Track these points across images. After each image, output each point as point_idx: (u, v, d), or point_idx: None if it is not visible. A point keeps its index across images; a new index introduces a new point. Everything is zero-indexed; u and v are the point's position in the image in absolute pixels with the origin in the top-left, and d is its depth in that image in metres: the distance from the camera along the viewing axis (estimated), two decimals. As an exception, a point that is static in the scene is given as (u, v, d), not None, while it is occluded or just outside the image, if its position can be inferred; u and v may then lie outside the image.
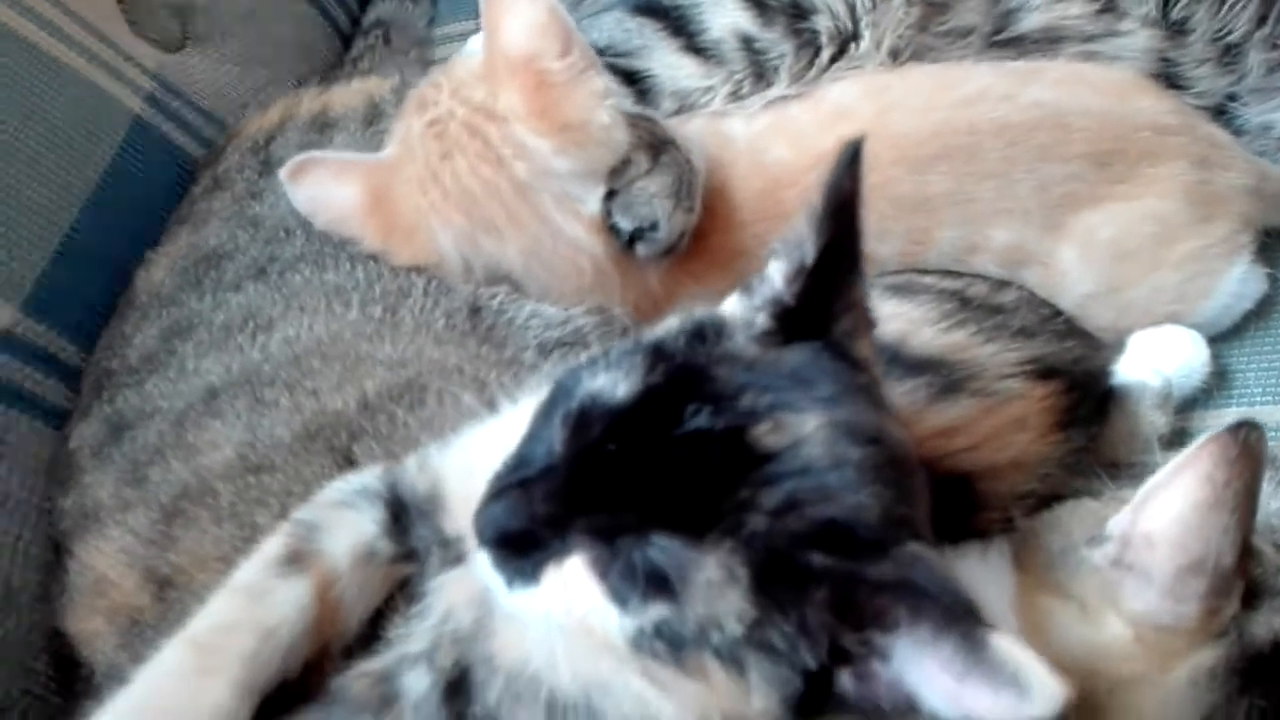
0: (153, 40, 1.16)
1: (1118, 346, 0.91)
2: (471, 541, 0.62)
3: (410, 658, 0.61)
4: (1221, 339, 0.96)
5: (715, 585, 0.48)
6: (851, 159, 0.55)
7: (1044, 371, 0.77)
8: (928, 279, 0.89)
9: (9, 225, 0.90)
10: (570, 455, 0.51)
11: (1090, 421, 0.80)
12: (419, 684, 0.60)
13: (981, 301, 0.85)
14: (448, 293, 0.82)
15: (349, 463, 0.73)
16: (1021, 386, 0.75)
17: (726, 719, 0.53)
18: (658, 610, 0.49)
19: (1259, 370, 0.95)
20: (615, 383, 0.52)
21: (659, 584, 0.49)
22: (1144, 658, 0.57)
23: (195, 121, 1.13)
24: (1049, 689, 0.42)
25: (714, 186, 0.88)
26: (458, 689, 0.59)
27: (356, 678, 0.62)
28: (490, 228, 0.82)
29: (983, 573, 0.63)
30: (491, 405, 0.72)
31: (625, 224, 0.81)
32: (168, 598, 0.68)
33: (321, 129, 0.96)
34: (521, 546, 0.52)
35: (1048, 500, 0.72)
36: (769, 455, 0.49)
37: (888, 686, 0.49)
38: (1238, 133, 1.03)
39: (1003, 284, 0.90)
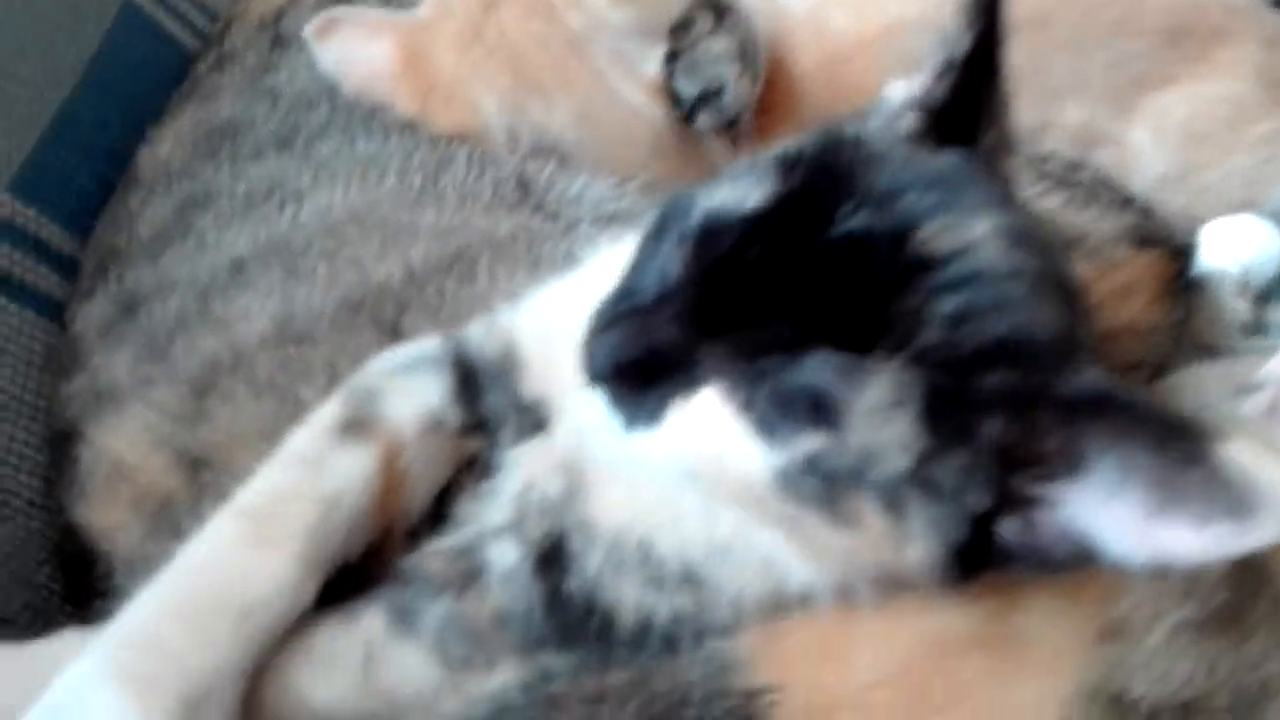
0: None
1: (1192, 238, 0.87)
2: (561, 399, 0.56)
3: (492, 531, 0.55)
4: (1289, 231, 0.92)
5: (882, 409, 0.42)
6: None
7: (1144, 239, 0.72)
8: (1002, 157, 0.84)
9: None
10: (696, 273, 0.45)
11: (1185, 299, 0.75)
12: (506, 557, 0.54)
13: (1059, 177, 0.80)
14: (493, 163, 0.75)
15: (396, 336, 0.66)
16: (1127, 252, 0.70)
17: (874, 575, 0.47)
18: (811, 441, 0.43)
19: (1328, 263, 0.91)
20: (744, 193, 0.46)
21: (815, 409, 0.42)
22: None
23: (186, 10, 1.04)
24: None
25: (774, 59, 0.82)
26: (551, 560, 0.53)
27: (431, 555, 0.56)
28: (538, 89, 0.75)
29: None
30: (549, 279, 0.65)
31: (689, 88, 0.75)
32: (203, 480, 0.61)
33: (337, 2, 0.88)
34: (643, 379, 0.45)
35: (1158, 371, 0.67)
36: (937, 261, 0.42)
37: (1059, 533, 0.44)
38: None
39: (1076, 165, 0.85)
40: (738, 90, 0.76)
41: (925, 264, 0.43)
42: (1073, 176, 0.82)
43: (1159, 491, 0.40)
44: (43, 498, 0.75)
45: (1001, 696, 0.47)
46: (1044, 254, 0.46)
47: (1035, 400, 0.42)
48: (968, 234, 0.44)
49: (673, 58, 0.76)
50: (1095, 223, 0.71)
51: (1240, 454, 0.37)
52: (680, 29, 0.76)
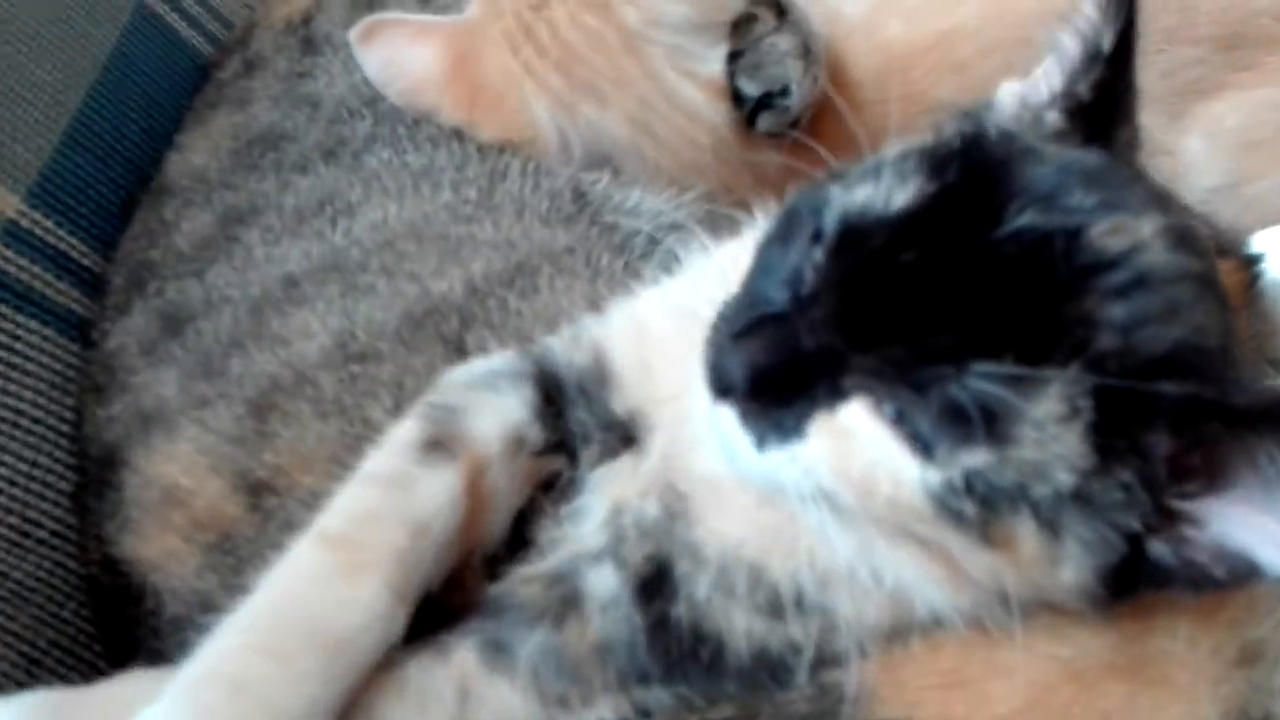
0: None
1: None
2: (657, 415, 0.53)
3: (588, 555, 0.52)
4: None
5: (1053, 422, 0.39)
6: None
7: (1220, 249, 0.70)
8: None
9: (11, 103, 0.79)
10: (840, 277, 0.42)
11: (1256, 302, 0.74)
12: (605, 584, 0.51)
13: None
14: (548, 174, 0.72)
15: (461, 351, 0.64)
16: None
17: (1018, 598, 0.45)
18: (974, 458, 0.40)
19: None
20: (888, 191, 0.43)
21: (984, 424, 0.40)
22: None
23: (198, 14, 1.03)
24: None
25: (826, 65, 0.80)
26: (654, 587, 0.51)
27: (524, 583, 0.53)
28: (592, 91, 0.72)
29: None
30: (609, 291, 0.63)
31: (751, 88, 0.73)
32: (266, 506, 0.58)
33: (368, 6, 0.85)
34: (783, 392, 0.43)
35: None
36: (1108, 262, 0.40)
37: (1214, 550, 0.42)
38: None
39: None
40: (801, 90, 0.73)
41: (1097, 265, 0.41)
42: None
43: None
44: (68, 529, 0.72)
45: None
46: (1203, 256, 0.44)
47: (1210, 411, 0.40)
48: (1136, 234, 0.42)
49: (735, 56, 0.73)
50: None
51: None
52: (742, 26, 0.73)
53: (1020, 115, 0.48)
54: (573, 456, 0.57)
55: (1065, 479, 0.40)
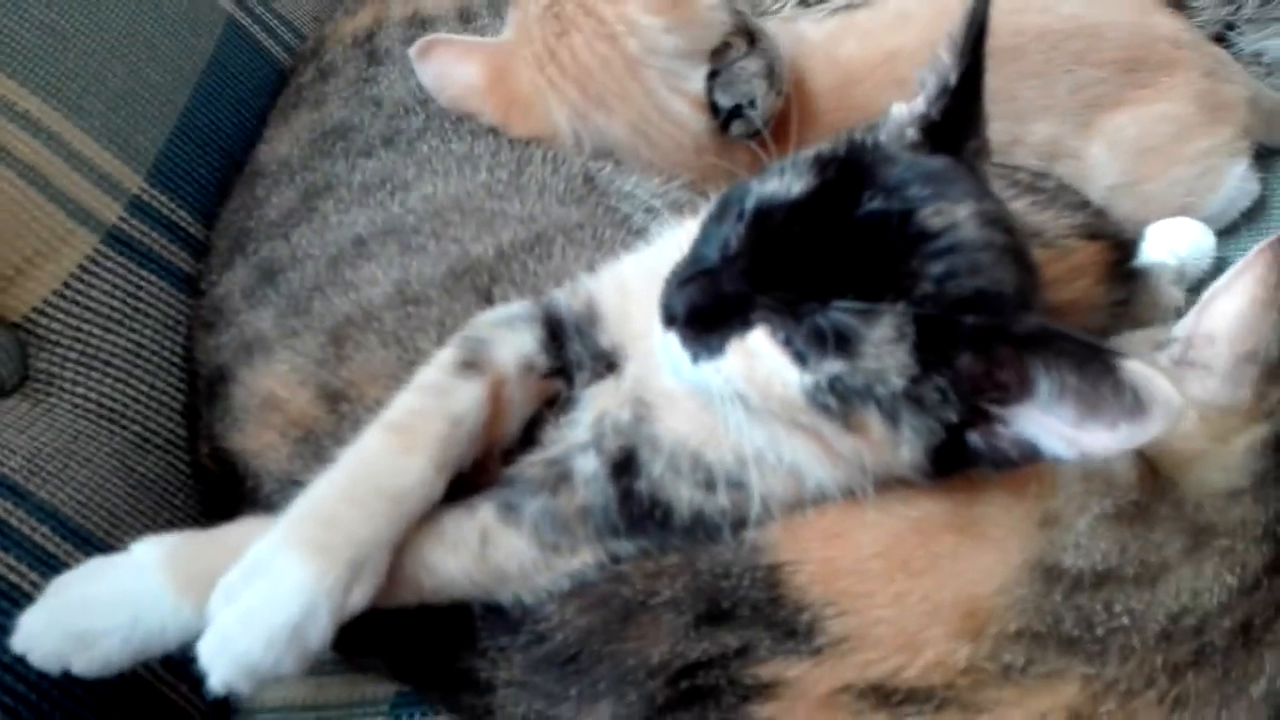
0: (231, -49, 1.24)
1: (1138, 235, 1.02)
2: (631, 348, 0.72)
3: (578, 445, 0.70)
4: (1221, 235, 1.08)
5: (887, 342, 0.57)
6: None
7: (1093, 234, 0.88)
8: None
9: (133, 100, 0.97)
10: (752, 243, 0.61)
11: (1128, 283, 0.91)
12: (588, 465, 0.69)
13: (1028, 184, 0.96)
14: (564, 161, 0.90)
15: (489, 301, 0.81)
16: (1077, 244, 0.86)
17: (874, 473, 0.63)
18: (834, 366, 0.58)
19: (1255, 259, 1.07)
20: (789, 184, 0.61)
21: (838, 342, 0.58)
22: (1207, 436, 0.68)
23: (277, 27, 1.21)
24: (1172, 401, 0.52)
25: (792, 79, 0.97)
26: (623, 468, 0.68)
27: (530, 464, 0.71)
28: (601, 103, 0.91)
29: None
30: (611, 256, 0.81)
31: (725, 101, 0.91)
32: (341, 410, 0.76)
33: (421, 25, 1.04)
34: (710, 322, 0.61)
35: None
36: (933, 234, 0.58)
37: (1011, 440, 0.59)
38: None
39: (1042, 174, 1.01)
40: (765, 104, 0.92)
41: (923, 236, 0.58)
42: (1039, 184, 0.98)
43: (1083, 405, 0.55)
44: (179, 437, 0.91)
45: (965, 565, 0.63)
46: (1009, 233, 0.62)
47: (996, 335, 0.58)
48: (955, 215, 0.59)
49: (713, 75, 0.92)
50: (1053, 220, 0.87)
51: (1136, 369, 0.53)
52: (719, 52, 0.91)
53: (893, 130, 0.66)
54: (570, 380, 0.74)
55: (898, 382, 0.58)
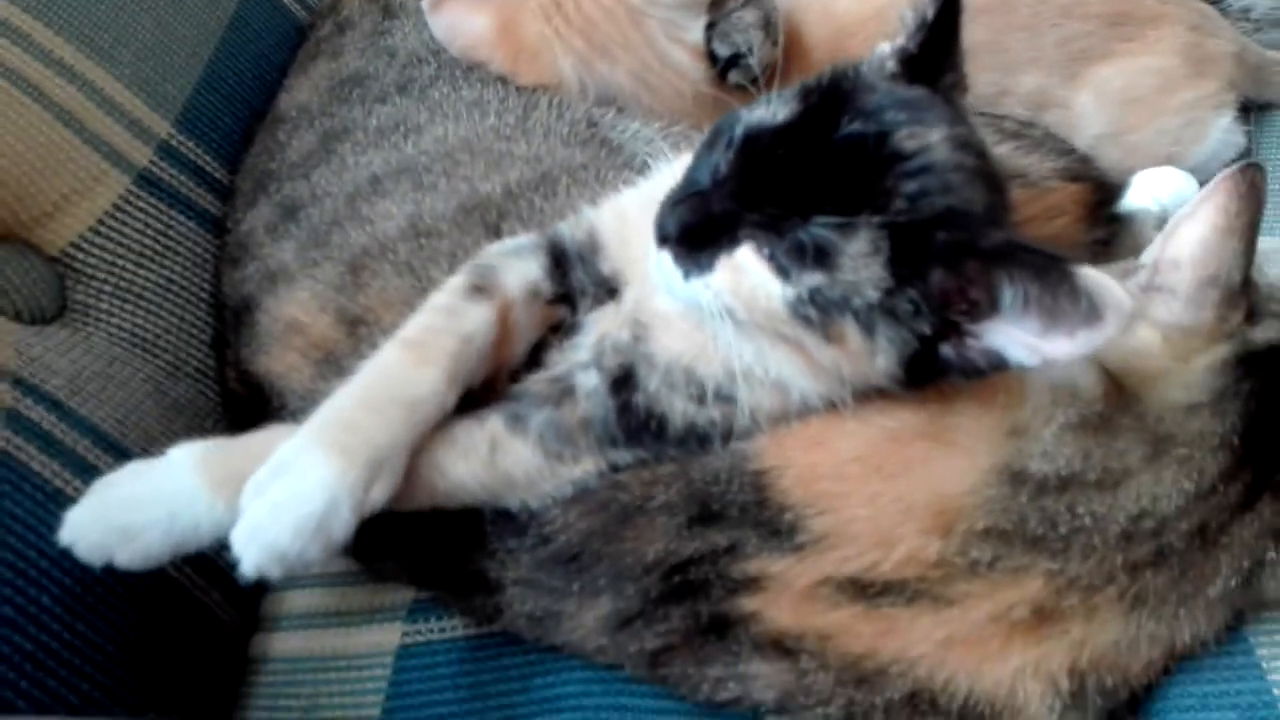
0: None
1: (1122, 182, 1.06)
2: (630, 272, 0.77)
3: (580, 363, 0.75)
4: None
5: (862, 256, 0.62)
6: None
7: (1074, 176, 0.92)
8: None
9: (162, 51, 1.02)
10: (740, 166, 0.65)
11: (1109, 225, 0.95)
12: (589, 381, 0.74)
13: (1014, 131, 1.00)
14: (569, 107, 0.95)
15: (498, 235, 0.86)
16: (1059, 184, 0.90)
17: (851, 380, 0.68)
18: (813, 278, 0.63)
19: (1238, 209, 1.11)
20: (775, 111, 0.66)
21: (817, 256, 0.62)
22: (1170, 355, 0.72)
23: None
24: (1122, 304, 0.57)
25: (788, 33, 1.02)
26: (623, 383, 0.73)
27: (535, 381, 0.76)
28: (605, 52, 0.96)
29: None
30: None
31: (723, 50, 0.95)
32: (359, 334, 0.81)
33: (435, -21, 1.09)
34: (700, 240, 0.66)
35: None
36: (907, 155, 0.63)
37: (980, 351, 0.64)
38: (1221, 15, 1.20)
39: (1029, 123, 1.05)
40: (761, 53, 0.96)
41: (897, 157, 0.63)
42: (1026, 131, 1.02)
43: (1044, 314, 0.60)
44: (207, 365, 0.97)
45: (937, 469, 0.68)
46: (979, 156, 0.66)
47: (964, 250, 0.62)
48: (928, 138, 0.63)
49: (711, 26, 0.96)
50: (1038, 163, 0.91)
51: (1090, 275, 0.58)
52: (717, 3, 0.96)
53: (874, 62, 0.71)
54: (574, 307, 0.79)
55: (873, 294, 0.63)
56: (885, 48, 0.72)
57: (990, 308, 0.62)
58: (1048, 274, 0.59)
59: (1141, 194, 1.05)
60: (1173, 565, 0.68)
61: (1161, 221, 1.02)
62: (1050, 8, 1.05)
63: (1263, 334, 0.74)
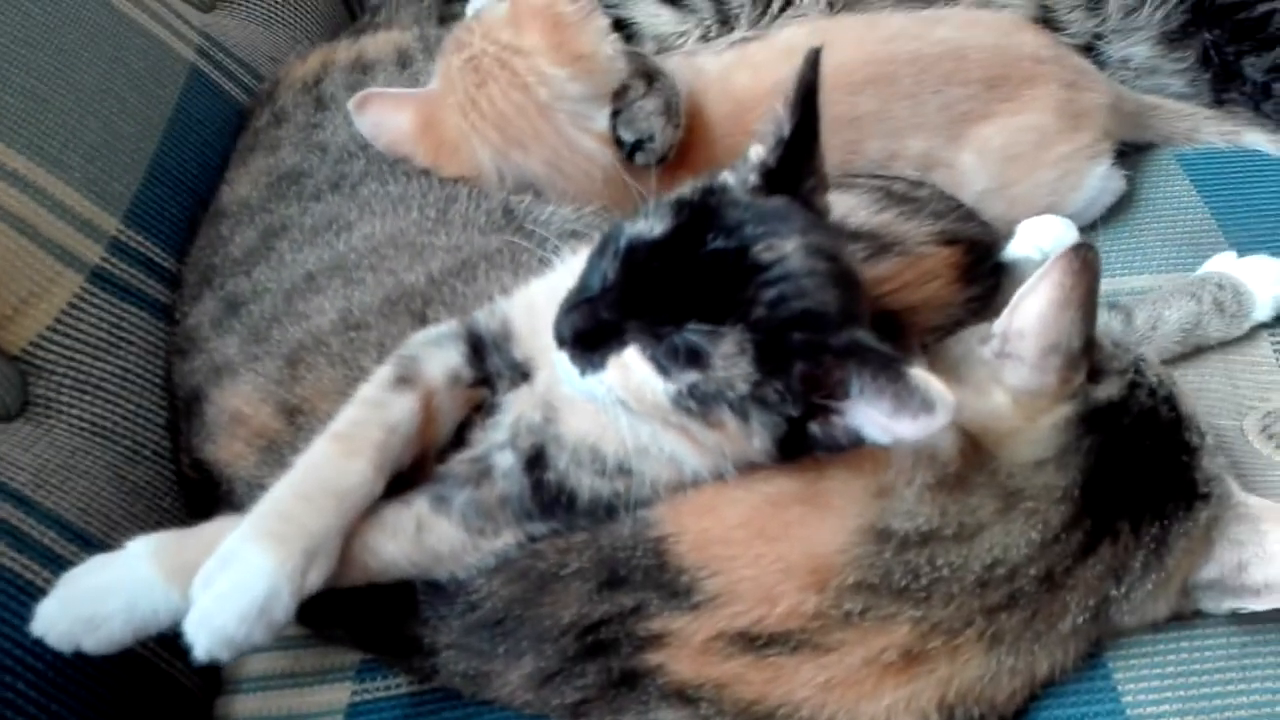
0: (191, 3, 1.36)
1: (1009, 234, 1.15)
2: (540, 359, 0.85)
3: (497, 444, 0.83)
4: (1089, 227, 1.22)
5: (731, 356, 0.70)
6: (813, 62, 0.78)
7: (950, 239, 1.01)
8: (860, 179, 1.12)
9: (108, 151, 1.09)
10: (622, 277, 0.74)
11: (985, 280, 1.04)
12: (506, 460, 0.82)
13: (902, 194, 1.09)
14: (486, 197, 1.04)
15: (423, 322, 0.93)
16: (933, 249, 0.99)
17: (734, 458, 0.77)
18: (690, 376, 0.71)
19: (1120, 249, 1.21)
20: (652, 225, 0.74)
21: (692, 358, 0.70)
22: (1019, 415, 0.81)
23: (236, 71, 1.33)
24: (946, 399, 0.66)
25: (692, 110, 1.10)
26: (535, 462, 0.81)
27: (458, 462, 0.84)
28: (519, 143, 1.04)
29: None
30: (525, 279, 0.94)
31: (628, 136, 1.04)
32: (298, 423, 0.89)
33: (363, 70, 1.17)
34: (591, 343, 0.74)
35: (951, 330, 0.96)
36: (765, 266, 0.71)
37: (842, 429, 0.73)
38: (1102, 65, 1.30)
39: (918, 183, 1.14)
40: (664, 137, 1.05)
41: (756, 268, 0.71)
42: (913, 193, 1.11)
43: (890, 402, 0.68)
44: (164, 448, 1.04)
45: (811, 531, 0.77)
46: (831, 259, 0.74)
47: (818, 348, 0.71)
48: (783, 249, 0.72)
49: (615, 114, 1.05)
50: (915, 229, 1.00)
51: (919, 376, 0.66)
52: (621, 93, 1.04)
53: (741, 173, 0.79)
54: (493, 388, 0.88)
55: (743, 387, 0.71)
56: (753, 153, 0.80)
57: (845, 394, 0.71)
58: (888, 370, 0.68)
59: (1025, 243, 1.14)
60: (1025, 607, 0.77)
61: (1042, 269, 1.12)
62: (932, 76, 1.13)
63: (1104, 391, 0.83)
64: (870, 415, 0.70)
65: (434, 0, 1.51)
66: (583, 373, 0.75)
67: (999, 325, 0.84)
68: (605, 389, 0.74)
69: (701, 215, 0.74)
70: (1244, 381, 1.09)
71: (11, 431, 0.94)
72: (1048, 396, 0.82)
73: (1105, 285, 1.09)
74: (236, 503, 0.91)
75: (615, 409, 0.75)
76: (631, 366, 0.73)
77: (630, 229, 0.75)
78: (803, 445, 0.74)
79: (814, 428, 0.74)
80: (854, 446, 0.73)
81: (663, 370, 0.72)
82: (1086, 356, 0.83)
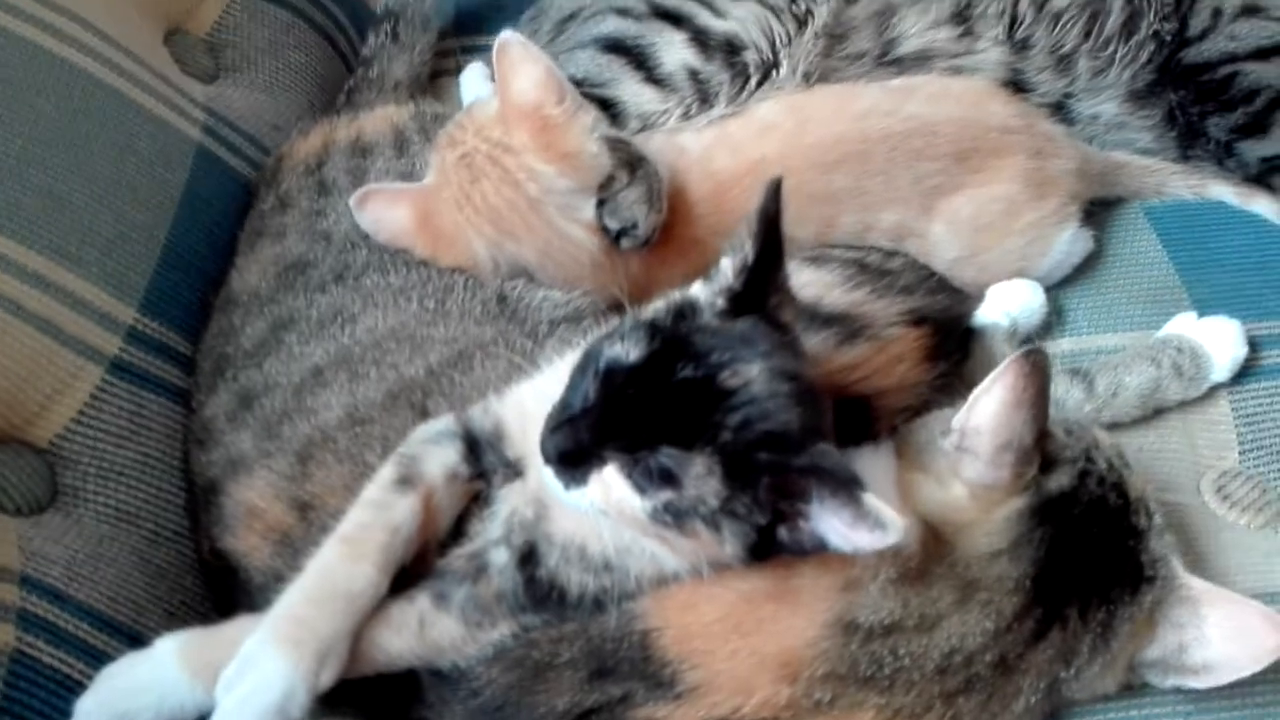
0: (195, 75, 1.41)
1: (979, 297, 1.21)
2: (530, 460, 0.91)
3: (493, 540, 0.90)
4: (1058, 286, 1.27)
5: (701, 476, 0.76)
6: (775, 191, 0.84)
7: (918, 319, 1.07)
8: (835, 251, 1.18)
9: (122, 242, 1.13)
10: (601, 400, 0.79)
11: (953, 354, 1.10)
12: (500, 557, 0.89)
13: (876, 267, 1.15)
14: (481, 286, 1.10)
15: (424, 414, 1.00)
16: (901, 331, 1.05)
17: (709, 562, 0.83)
18: (664, 495, 0.77)
19: (1086, 308, 1.26)
20: (628, 350, 0.80)
21: (666, 478, 0.77)
22: (976, 508, 0.88)
23: (241, 145, 1.36)
24: (895, 523, 0.72)
25: (674, 189, 1.16)
26: (528, 559, 0.88)
27: (456, 558, 0.91)
28: (512, 234, 1.10)
29: (874, 461, 0.93)
30: (519, 367, 1.00)
31: (613, 225, 1.10)
32: (309, 518, 0.96)
33: (363, 154, 1.22)
34: (574, 462, 0.80)
35: (921, 412, 1.02)
36: (730, 392, 0.77)
37: (808, 535, 0.79)
38: (1072, 122, 1.35)
39: (891, 253, 1.20)
40: (647, 224, 1.10)
41: (724, 394, 0.77)
42: (886, 265, 1.17)
43: (847, 516, 0.75)
44: (185, 529, 1.10)
45: (783, 626, 0.83)
46: (793, 379, 0.80)
47: (782, 467, 0.77)
48: (747, 374, 0.78)
49: (601, 204, 1.11)
50: (884, 309, 1.06)
51: (871, 501, 0.73)
52: (606, 184, 1.10)
53: (712, 291, 0.84)
54: (489, 482, 0.95)
55: (714, 502, 0.77)
56: (724, 266, 0.85)
57: (808, 504, 0.77)
58: (844, 489, 0.74)
59: (993, 308, 1.20)
60: (981, 691, 0.84)
61: (1011, 334, 1.18)
62: (903, 152, 1.18)
63: (1055, 482, 0.89)
64: (832, 523, 0.77)
65: (425, 48, 1.56)
66: (567, 487, 0.81)
67: (957, 421, 0.90)
68: (589, 502, 0.81)
69: (672, 343, 0.80)
70: (1202, 440, 1.15)
71: (44, 524, 1.01)
72: (1002, 490, 0.88)
73: (1071, 345, 1.19)
74: (255, 590, 0.98)
75: (599, 517, 0.82)
76: (611, 484, 0.79)
77: (609, 350, 0.81)
78: (770, 549, 0.81)
79: (782, 532, 0.80)
80: (817, 552, 0.79)
81: (639, 489, 0.78)
82: (1039, 450, 0.89)
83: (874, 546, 0.75)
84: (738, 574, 0.85)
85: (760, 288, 0.84)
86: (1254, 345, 1.19)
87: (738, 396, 0.77)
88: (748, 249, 0.83)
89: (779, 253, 0.85)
